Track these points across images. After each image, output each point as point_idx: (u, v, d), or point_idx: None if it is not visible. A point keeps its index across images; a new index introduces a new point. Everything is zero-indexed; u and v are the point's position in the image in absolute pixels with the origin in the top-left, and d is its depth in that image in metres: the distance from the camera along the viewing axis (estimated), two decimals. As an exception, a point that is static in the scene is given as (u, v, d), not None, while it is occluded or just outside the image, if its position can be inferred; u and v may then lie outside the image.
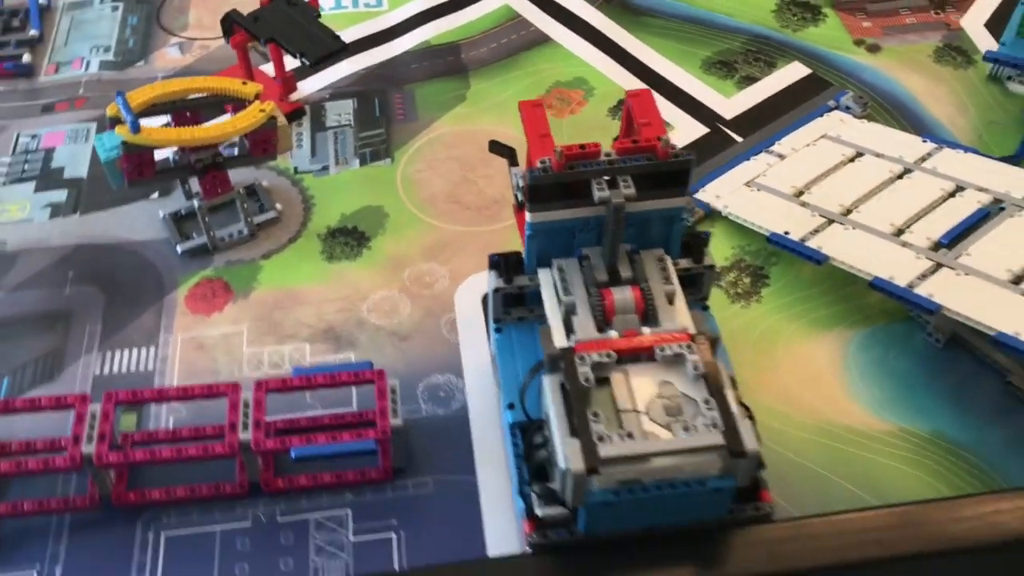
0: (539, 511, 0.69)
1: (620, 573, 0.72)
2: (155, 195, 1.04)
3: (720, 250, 0.97)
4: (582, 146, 0.71)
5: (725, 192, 1.01)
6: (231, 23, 1.02)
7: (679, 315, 0.72)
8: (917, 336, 0.90)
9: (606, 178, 0.71)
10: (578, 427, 0.64)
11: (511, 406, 0.75)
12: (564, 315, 0.72)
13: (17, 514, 0.77)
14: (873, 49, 1.20)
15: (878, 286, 0.86)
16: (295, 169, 1.07)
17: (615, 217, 0.71)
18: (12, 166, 1.07)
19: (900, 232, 0.91)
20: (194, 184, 0.98)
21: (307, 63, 1.00)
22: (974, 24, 1.23)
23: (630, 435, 0.64)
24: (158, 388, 0.84)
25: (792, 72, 1.17)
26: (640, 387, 0.67)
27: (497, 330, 0.79)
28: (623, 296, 0.71)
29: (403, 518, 0.78)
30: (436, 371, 0.88)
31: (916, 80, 1.16)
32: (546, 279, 0.75)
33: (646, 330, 0.70)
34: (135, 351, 0.90)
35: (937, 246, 0.89)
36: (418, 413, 0.85)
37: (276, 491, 0.80)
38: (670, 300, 0.72)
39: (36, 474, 0.75)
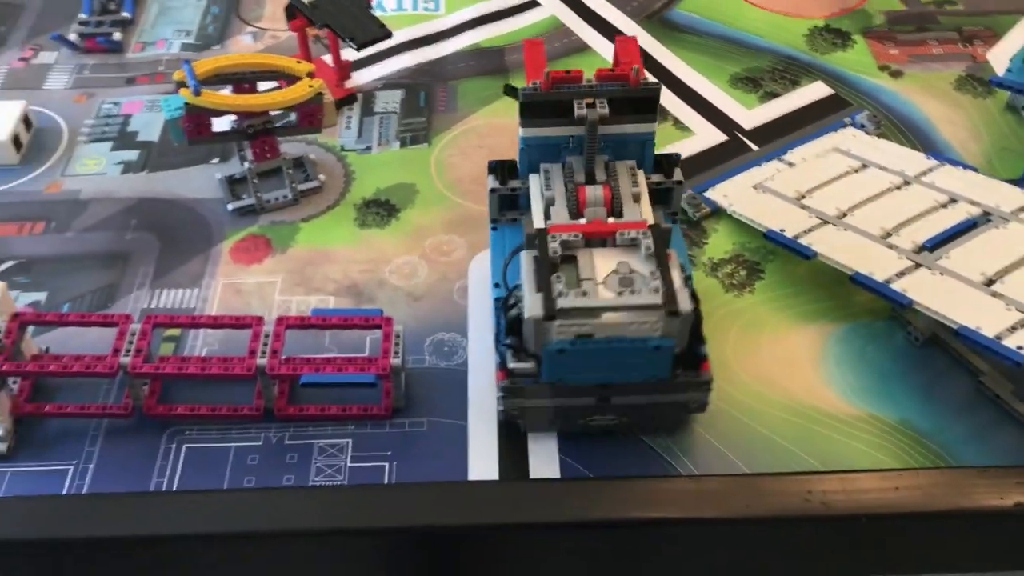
0: (510, 363, 0.79)
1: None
2: (215, 160, 1.15)
3: (722, 245, 1.04)
4: (567, 72, 0.84)
5: (732, 192, 1.08)
6: (293, 9, 1.14)
7: (642, 211, 0.83)
8: (897, 334, 0.95)
9: (587, 100, 0.83)
10: (540, 284, 0.75)
11: (497, 285, 0.87)
12: (544, 206, 0.84)
13: (61, 415, 0.88)
14: (896, 75, 1.26)
15: (858, 280, 0.92)
16: (341, 147, 1.17)
17: (591, 132, 0.83)
18: (94, 128, 1.20)
19: (888, 235, 0.96)
20: (249, 153, 1.09)
21: (354, 46, 1.11)
22: (1000, 57, 1.28)
23: (584, 294, 0.75)
24: (192, 315, 0.94)
25: (814, 91, 1.23)
26: (600, 264, 0.78)
27: (493, 228, 0.92)
28: (595, 192, 0.83)
29: (397, 450, 0.87)
30: (443, 329, 0.97)
31: (934, 105, 1.21)
32: (534, 180, 0.88)
33: (610, 220, 0.82)
34: (181, 291, 1.01)
35: (920, 249, 0.94)
36: (422, 364, 0.93)
37: (287, 417, 0.89)
38: (635, 200, 0.84)
39: (78, 376, 0.85)
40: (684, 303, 0.74)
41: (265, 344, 0.86)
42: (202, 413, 0.88)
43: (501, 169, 0.91)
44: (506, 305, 0.80)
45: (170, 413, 0.88)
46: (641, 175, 0.87)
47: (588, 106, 0.83)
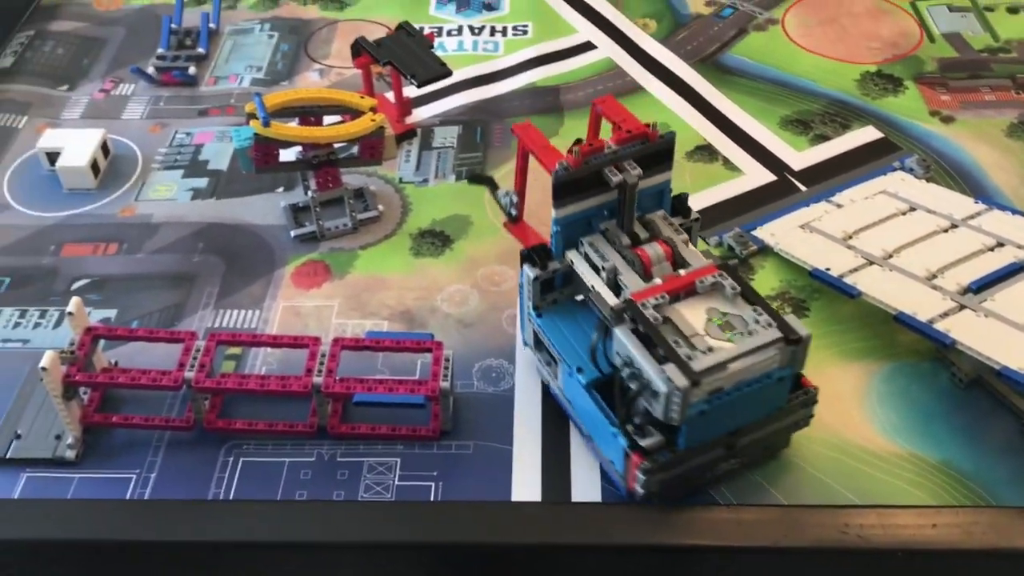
0: (643, 442, 0.79)
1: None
2: (279, 189, 1.20)
3: (768, 282, 1.06)
4: (590, 144, 0.82)
5: (779, 231, 1.10)
6: (359, 47, 1.19)
7: (698, 255, 0.84)
8: (941, 375, 0.96)
9: (617, 167, 0.83)
10: (666, 354, 0.75)
11: (579, 369, 0.84)
12: (607, 279, 0.83)
13: (127, 425, 0.93)
14: (947, 120, 1.27)
15: (902, 320, 0.93)
16: (400, 179, 1.22)
17: (630, 195, 0.83)
18: (167, 156, 1.27)
19: (933, 276, 0.97)
20: (312, 182, 1.14)
21: (415, 84, 1.15)
22: (1055, 106, 1.29)
23: (709, 350, 0.75)
24: (252, 333, 0.98)
25: (865, 135, 1.25)
26: (692, 317, 0.78)
27: (538, 315, 0.90)
28: (655, 250, 0.83)
29: (443, 471, 0.90)
30: (491, 356, 1.00)
31: (984, 150, 1.22)
32: (577, 257, 0.86)
33: (681, 272, 0.82)
34: (243, 312, 1.06)
35: (965, 291, 0.95)
36: (470, 388, 0.97)
37: (339, 435, 0.92)
38: (687, 245, 0.85)
39: (145, 388, 0.90)
40: (800, 328, 0.76)
41: (321, 363, 0.90)
42: (259, 428, 0.92)
43: (535, 255, 0.88)
44: (620, 388, 0.79)
45: (229, 427, 0.92)
46: (675, 221, 0.88)
47: (618, 170, 0.82)
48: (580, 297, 0.91)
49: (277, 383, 0.89)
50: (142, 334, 0.94)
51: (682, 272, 0.82)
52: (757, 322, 0.77)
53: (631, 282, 0.81)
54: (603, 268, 0.83)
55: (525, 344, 0.95)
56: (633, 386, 0.76)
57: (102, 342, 0.97)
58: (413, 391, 0.89)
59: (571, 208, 0.84)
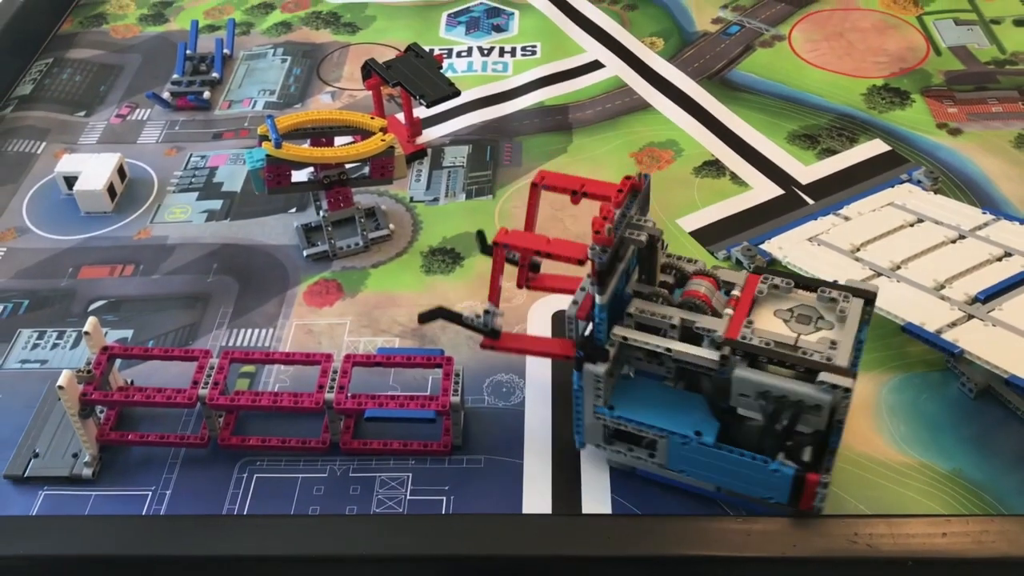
0: (806, 457, 0.80)
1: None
2: (292, 210, 1.22)
3: (776, 295, 1.07)
4: (605, 216, 0.77)
5: (787, 244, 1.10)
6: (369, 69, 1.21)
7: (730, 272, 0.85)
8: (951, 385, 0.96)
9: (635, 227, 0.81)
10: (805, 367, 0.75)
11: (698, 432, 0.81)
12: (680, 335, 0.80)
13: (142, 443, 0.94)
14: (955, 132, 1.27)
15: (909, 330, 0.93)
16: (411, 198, 1.23)
17: (652, 250, 0.82)
18: (182, 178, 1.29)
19: (941, 287, 0.98)
20: (324, 202, 1.16)
21: (424, 104, 1.17)
22: (1063, 117, 1.29)
23: (832, 344, 0.77)
24: (265, 351, 1.00)
25: (872, 148, 1.26)
26: (774, 326, 0.80)
27: (611, 409, 0.84)
28: (705, 286, 0.82)
29: (454, 485, 0.90)
30: (501, 371, 1.00)
31: (992, 162, 1.22)
32: (628, 331, 0.81)
33: (736, 294, 0.82)
34: (257, 331, 1.07)
35: (973, 301, 0.95)
36: (481, 403, 0.97)
37: (352, 451, 0.93)
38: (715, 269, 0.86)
39: (160, 406, 0.91)
40: (867, 286, 0.81)
41: (333, 380, 0.91)
42: (273, 445, 0.93)
43: (592, 353, 0.82)
44: (777, 417, 0.77)
45: (243, 444, 0.93)
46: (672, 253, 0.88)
47: (636, 229, 0.81)
48: (627, 370, 0.87)
49: (289, 400, 0.90)
50: (157, 353, 0.95)
51: (736, 293, 0.82)
52: (832, 301, 0.79)
53: (711, 324, 0.80)
54: (671, 326, 0.80)
55: (581, 445, 0.89)
56: (784, 414, 0.76)
57: (118, 361, 0.99)
58: (424, 406, 0.90)
59: (611, 286, 0.80)
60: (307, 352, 0.95)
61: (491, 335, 0.89)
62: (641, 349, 0.82)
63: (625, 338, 0.81)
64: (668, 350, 0.80)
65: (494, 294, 0.88)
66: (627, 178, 0.82)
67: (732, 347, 0.77)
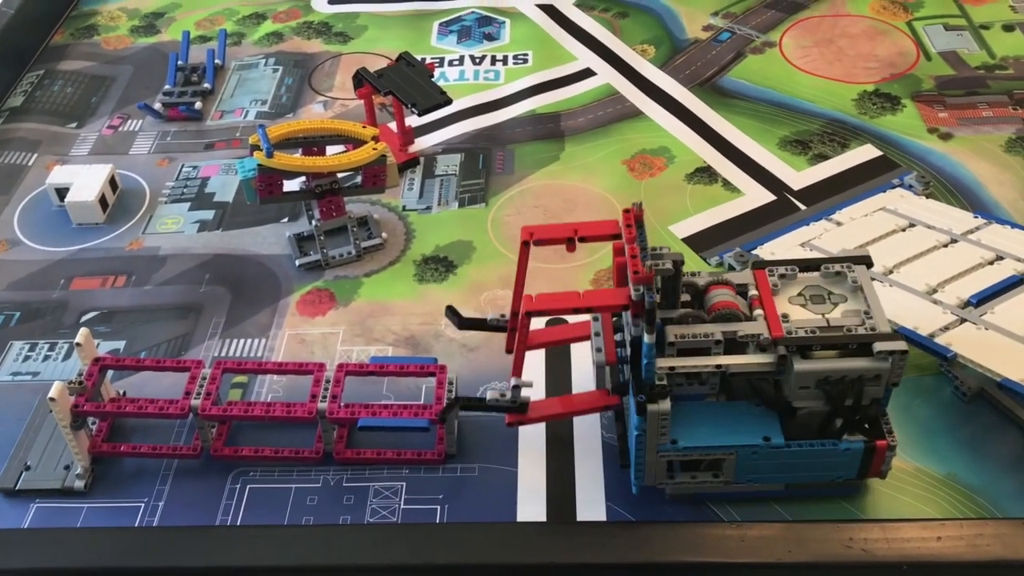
0: (868, 427, 0.82)
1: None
2: (285, 219, 1.22)
3: (769, 301, 1.07)
4: (633, 256, 0.78)
5: (779, 250, 1.10)
6: (360, 78, 1.22)
7: (738, 275, 0.86)
8: (945, 389, 0.96)
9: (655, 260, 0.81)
10: (856, 341, 0.78)
11: (767, 438, 0.81)
12: (726, 349, 0.80)
13: (135, 455, 0.94)
14: (945, 137, 1.28)
15: (902, 334, 0.93)
16: (403, 207, 1.23)
17: (680, 271, 0.81)
18: (174, 189, 1.29)
19: (933, 291, 0.98)
20: (316, 211, 1.15)
21: (416, 112, 1.17)
22: (1053, 120, 1.30)
23: (866, 314, 0.81)
24: (258, 361, 0.99)
25: (863, 153, 1.26)
26: (799, 314, 0.82)
27: (674, 442, 0.82)
28: (728, 295, 0.83)
29: (449, 494, 0.90)
30: (495, 379, 1.00)
31: (983, 166, 1.22)
32: (672, 360, 0.80)
33: (754, 292, 0.84)
34: (250, 341, 1.07)
35: (965, 304, 0.95)
36: (474, 411, 0.97)
37: (345, 461, 0.93)
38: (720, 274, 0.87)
39: (152, 417, 0.91)
40: (859, 251, 0.91)
41: (326, 389, 0.91)
42: (266, 455, 0.93)
43: (651, 393, 0.80)
44: (842, 399, 0.79)
45: (236, 455, 0.93)
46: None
47: (658, 259, 0.80)
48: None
49: (282, 410, 0.90)
50: (149, 364, 0.95)
51: (753, 292, 0.83)
52: (837, 275, 0.83)
53: (752, 329, 0.80)
54: (716, 342, 0.80)
55: (639, 491, 0.86)
56: (849, 393, 0.79)
57: (110, 372, 0.99)
58: (418, 415, 0.90)
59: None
60: (300, 362, 0.95)
61: (520, 410, 0.87)
62: (681, 374, 0.81)
63: (673, 368, 0.80)
64: (720, 367, 0.80)
65: (518, 366, 0.86)
66: (626, 211, 0.82)
67: (786, 344, 0.79)
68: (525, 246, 0.86)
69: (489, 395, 0.87)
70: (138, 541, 0.86)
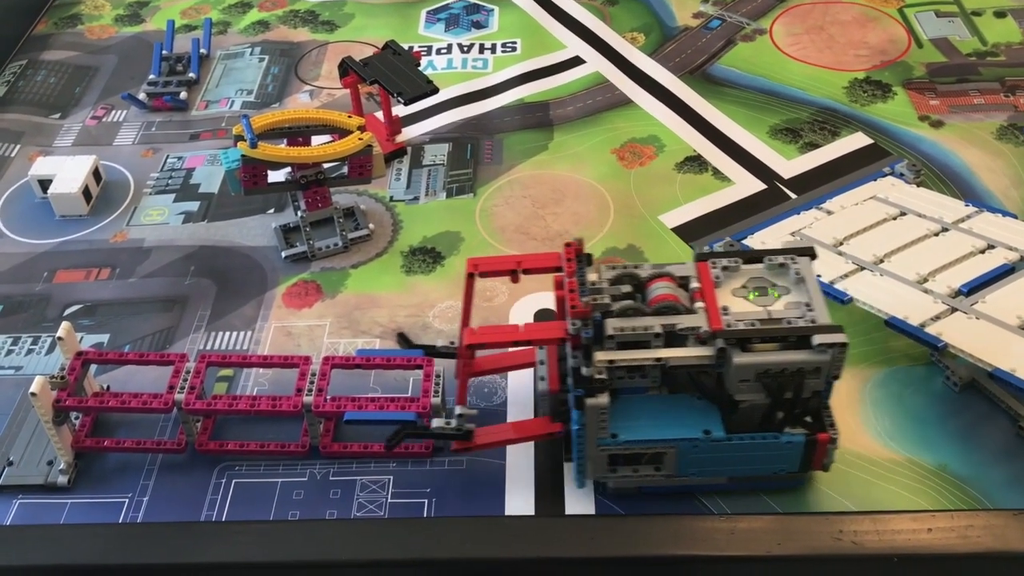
0: (810, 420, 0.82)
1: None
2: (271, 211, 1.21)
3: (759, 290, 1.06)
4: (572, 291, 0.80)
5: (770, 239, 1.10)
6: (346, 67, 1.20)
7: (680, 266, 0.84)
8: (936, 379, 0.96)
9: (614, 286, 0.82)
10: (796, 334, 0.77)
11: (707, 431, 0.81)
12: (665, 342, 0.79)
13: (119, 450, 0.93)
14: (936, 125, 1.27)
15: (893, 324, 0.92)
16: (391, 197, 1.22)
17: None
18: (159, 180, 1.27)
19: (924, 280, 0.97)
20: (302, 202, 1.14)
21: (402, 102, 1.16)
22: (1043, 107, 1.29)
23: (807, 307, 0.80)
24: (243, 354, 0.98)
25: (854, 141, 1.25)
26: (742, 306, 0.81)
27: (614, 436, 0.82)
28: (669, 288, 0.82)
29: (436, 487, 0.89)
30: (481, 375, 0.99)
31: (974, 153, 1.22)
32: (611, 353, 0.80)
33: (696, 285, 0.82)
34: (235, 334, 1.06)
35: (956, 294, 0.94)
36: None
37: (332, 454, 0.92)
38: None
39: (136, 411, 0.90)
40: (802, 245, 0.86)
41: (312, 382, 0.90)
42: (251, 449, 0.92)
43: (588, 388, 0.79)
44: (782, 392, 0.78)
45: (221, 449, 0.92)
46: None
47: (597, 293, 0.81)
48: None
49: (267, 403, 0.89)
50: (132, 358, 0.94)
51: (695, 284, 0.82)
52: (780, 267, 0.82)
53: (692, 322, 0.79)
54: (656, 335, 0.79)
55: (582, 485, 0.87)
56: (788, 385, 0.78)
57: (94, 367, 0.98)
58: (405, 408, 0.89)
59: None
60: (285, 355, 0.93)
61: (464, 438, 0.86)
62: (622, 367, 0.80)
63: (612, 361, 0.80)
64: (659, 360, 0.79)
65: (462, 395, 0.86)
66: (567, 245, 0.83)
67: (724, 337, 0.77)
68: (470, 278, 0.86)
69: (435, 423, 0.86)
70: (123, 537, 0.85)
